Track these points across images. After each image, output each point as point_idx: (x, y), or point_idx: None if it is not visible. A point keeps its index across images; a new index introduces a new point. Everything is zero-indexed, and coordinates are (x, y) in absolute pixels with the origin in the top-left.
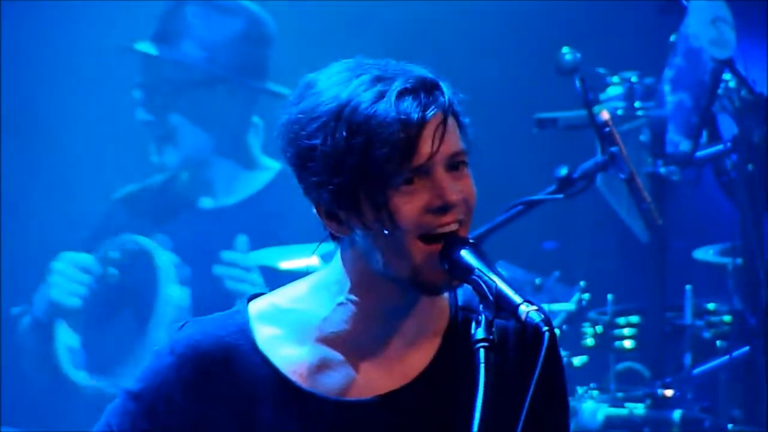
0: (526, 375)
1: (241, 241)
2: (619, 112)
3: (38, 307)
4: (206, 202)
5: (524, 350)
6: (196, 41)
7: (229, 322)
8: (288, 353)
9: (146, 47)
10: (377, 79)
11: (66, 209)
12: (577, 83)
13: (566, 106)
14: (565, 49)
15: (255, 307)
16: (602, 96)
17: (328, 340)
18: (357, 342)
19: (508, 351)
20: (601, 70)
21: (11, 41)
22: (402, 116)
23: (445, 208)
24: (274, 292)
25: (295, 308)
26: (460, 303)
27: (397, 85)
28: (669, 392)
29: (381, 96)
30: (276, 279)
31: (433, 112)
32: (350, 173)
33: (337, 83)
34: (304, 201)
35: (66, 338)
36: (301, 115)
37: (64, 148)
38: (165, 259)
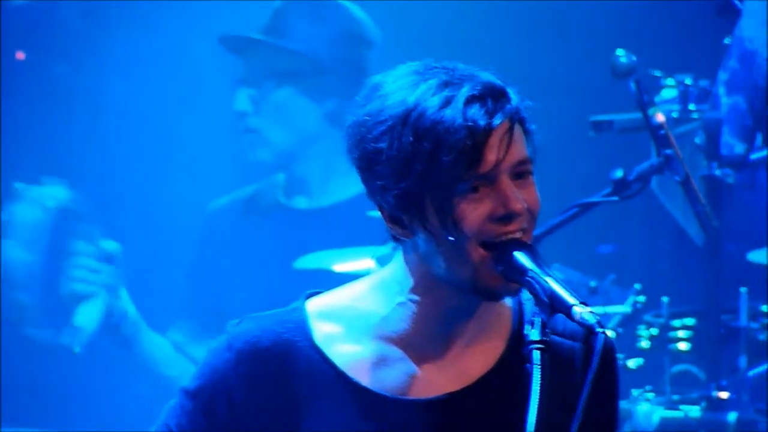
0: (577, 375)
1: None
2: (674, 114)
3: None
4: (301, 202)
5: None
6: (300, 36)
7: (286, 318)
8: (346, 350)
9: (257, 35)
10: (445, 84)
11: (163, 221)
12: (633, 86)
13: (621, 108)
14: (620, 52)
15: (313, 304)
16: (657, 98)
17: (387, 338)
18: (416, 341)
19: (574, 373)
20: (656, 73)
21: (102, 38)
22: (469, 123)
23: (508, 217)
24: (332, 290)
25: (354, 306)
26: (526, 317)
27: (464, 92)
28: (724, 394)
29: (448, 102)
30: (331, 282)
31: (499, 119)
32: (416, 178)
33: (404, 86)
34: None
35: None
36: (367, 118)
37: (160, 156)
38: None
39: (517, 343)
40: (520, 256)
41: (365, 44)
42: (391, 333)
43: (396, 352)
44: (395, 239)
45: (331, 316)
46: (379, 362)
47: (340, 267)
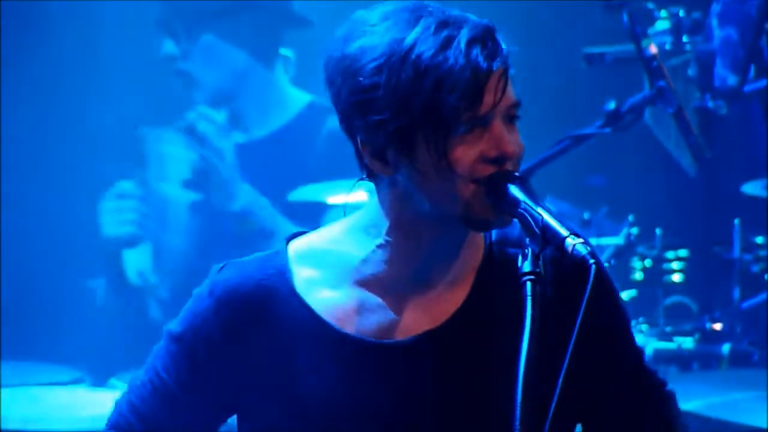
0: (568, 307)
1: None
2: (667, 46)
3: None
4: (238, 137)
5: (563, 280)
6: None
7: (267, 264)
8: (326, 296)
9: None
10: (443, 24)
11: (103, 153)
12: (625, 18)
13: (614, 40)
14: None
15: (294, 247)
16: (650, 30)
17: (367, 282)
18: (396, 283)
19: (546, 284)
20: (649, 5)
21: None
22: (472, 64)
23: (501, 159)
24: (312, 232)
25: (333, 250)
26: (494, 238)
27: (465, 33)
28: (718, 326)
29: (449, 42)
30: (324, 213)
31: (499, 62)
32: (414, 115)
33: (398, 23)
34: (335, 135)
35: (135, 263)
36: (359, 51)
37: (98, 88)
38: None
39: (488, 270)
40: (513, 189)
41: None
42: (371, 276)
43: (376, 295)
44: (370, 176)
45: (311, 260)
46: (360, 307)
47: (334, 199)
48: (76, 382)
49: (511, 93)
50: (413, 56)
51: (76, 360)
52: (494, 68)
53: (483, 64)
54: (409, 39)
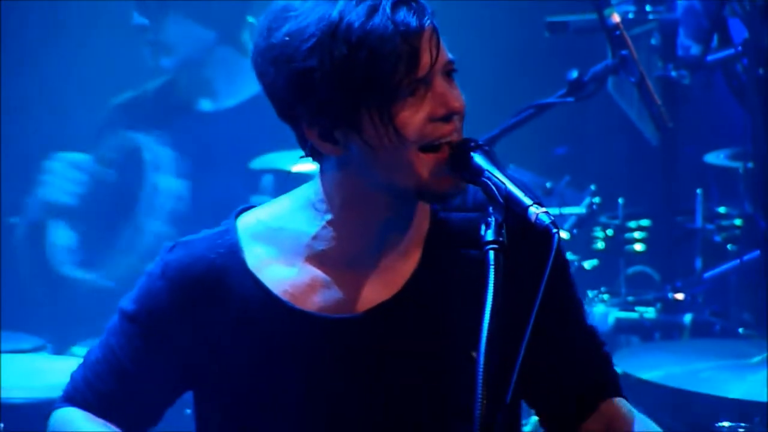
0: (526, 274)
1: (267, 180)
2: (630, 15)
3: (32, 209)
4: (206, 105)
5: (521, 246)
6: None
7: (218, 242)
8: (279, 273)
9: None
10: None
11: (64, 116)
12: None
13: (577, 9)
14: None
15: (243, 224)
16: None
17: (319, 258)
18: (348, 258)
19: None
20: None
21: None
22: (401, 28)
23: (448, 117)
24: (260, 207)
25: (283, 227)
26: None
27: None
28: (680, 296)
29: (374, 10)
30: (287, 182)
31: (429, 20)
32: (354, 91)
33: (321, 1)
34: None
35: (62, 238)
36: (287, 38)
37: (61, 54)
38: (154, 153)
39: (436, 237)
40: (476, 157)
41: None
42: (323, 252)
43: (329, 270)
44: (315, 157)
45: (262, 238)
46: (313, 283)
47: (298, 168)
48: (37, 349)
49: (445, 49)
50: (342, 31)
51: (38, 328)
52: (424, 27)
53: (413, 24)
54: (335, 15)
